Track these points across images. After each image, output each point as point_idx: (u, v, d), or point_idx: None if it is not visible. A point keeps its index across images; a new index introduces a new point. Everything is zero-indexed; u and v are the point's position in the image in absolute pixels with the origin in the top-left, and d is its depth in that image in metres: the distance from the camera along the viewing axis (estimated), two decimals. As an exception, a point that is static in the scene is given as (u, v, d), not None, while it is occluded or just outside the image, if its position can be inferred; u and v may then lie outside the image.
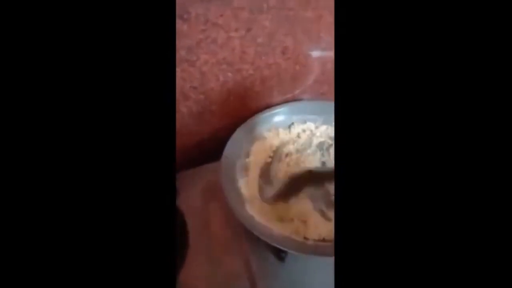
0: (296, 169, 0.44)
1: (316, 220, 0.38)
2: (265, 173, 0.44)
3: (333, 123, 0.48)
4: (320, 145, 0.47)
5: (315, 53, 0.45)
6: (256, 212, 0.38)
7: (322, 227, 0.37)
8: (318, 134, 0.48)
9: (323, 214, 0.39)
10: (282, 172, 0.44)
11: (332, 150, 0.46)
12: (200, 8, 0.35)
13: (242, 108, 0.48)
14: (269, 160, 0.46)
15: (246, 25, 0.39)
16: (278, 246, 0.33)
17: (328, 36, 0.43)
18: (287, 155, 0.46)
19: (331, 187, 0.42)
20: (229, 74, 0.43)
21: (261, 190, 0.42)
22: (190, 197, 0.44)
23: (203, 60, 0.40)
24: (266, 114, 0.48)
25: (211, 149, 0.46)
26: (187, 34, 0.37)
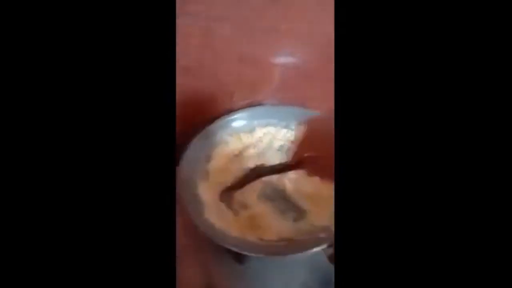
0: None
1: (271, 220, 0.39)
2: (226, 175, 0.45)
3: (293, 127, 0.50)
4: (280, 148, 0.49)
5: (273, 60, 0.47)
6: (215, 216, 0.39)
7: (278, 227, 0.38)
8: (278, 137, 0.50)
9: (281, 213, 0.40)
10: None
11: (290, 153, 0.48)
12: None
13: (203, 114, 0.48)
14: (229, 164, 0.47)
15: (203, 32, 0.39)
16: (234, 249, 0.34)
17: (284, 44, 0.45)
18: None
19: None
20: (188, 81, 0.43)
21: (222, 194, 0.43)
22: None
23: (160, 66, 0.40)
24: (227, 119, 0.49)
25: (173, 154, 0.46)
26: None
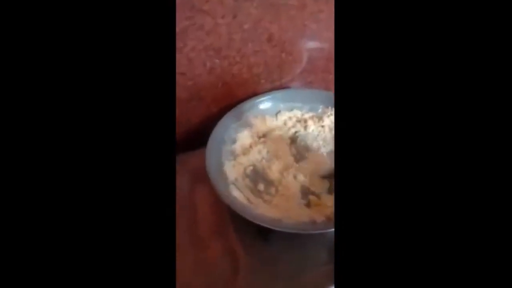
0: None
1: (294, 199, 0.39)
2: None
3: (318, 111, 0.50)
4: (306, 131, 0.48)
5: (301, 42, 0.47)
6: (240, 193, 0.39)
7: (299, 207, 0.38)
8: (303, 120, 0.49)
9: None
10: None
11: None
12: (186, -6, 0.36)
13: (230, 95, 0.49)
14: (254, 146, 0.47)
15: (232, 12, 0.40)
16: (259, 224, 0.34)
17: (313, 25, 0.45)
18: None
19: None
20: (216, 60, 0.44)
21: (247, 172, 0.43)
22: (177, 182, 0.44)
23: (190, 47, 0.41)
24: (253, 101, 0.49)
25: (199, 135, 0.47)
26: (173, 20, 0.38)
